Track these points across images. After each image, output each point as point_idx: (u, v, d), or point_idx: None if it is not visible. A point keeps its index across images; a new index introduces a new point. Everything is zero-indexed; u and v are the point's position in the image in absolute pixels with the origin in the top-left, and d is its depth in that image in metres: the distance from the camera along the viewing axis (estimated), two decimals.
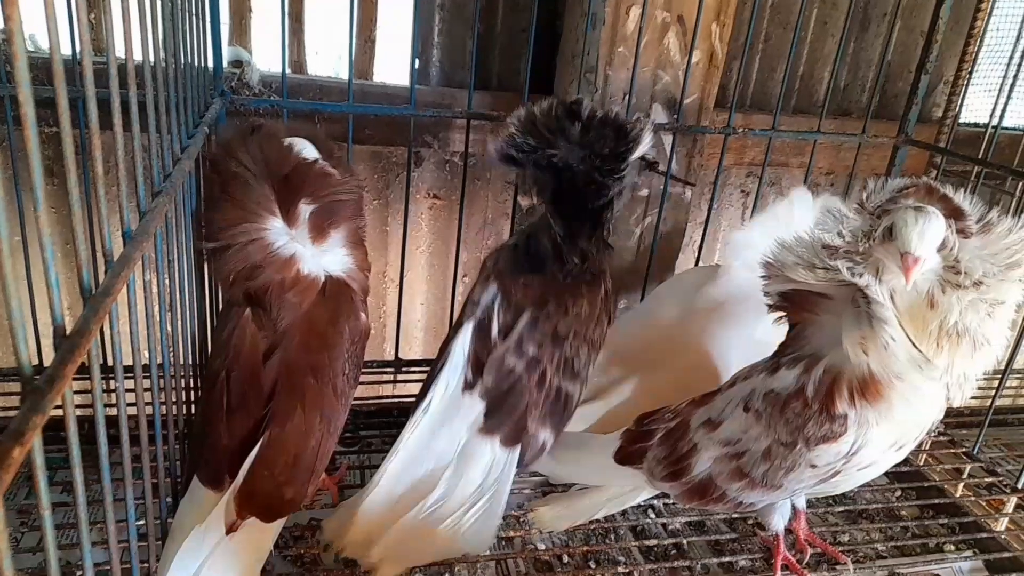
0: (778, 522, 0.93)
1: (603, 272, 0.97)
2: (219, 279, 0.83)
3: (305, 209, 0.81)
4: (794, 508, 0.97)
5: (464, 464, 0.89)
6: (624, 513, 1.03)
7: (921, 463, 1.25)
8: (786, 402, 0.79)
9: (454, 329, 0.97)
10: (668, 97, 1.31)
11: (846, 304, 0.76)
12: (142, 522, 0.70)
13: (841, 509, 1.12)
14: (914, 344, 0.71)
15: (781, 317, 0.84)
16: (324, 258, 0.82)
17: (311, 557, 0.92)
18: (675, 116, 1.31)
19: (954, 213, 0.74)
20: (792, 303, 0.81)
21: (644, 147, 0.90)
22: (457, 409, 0.91)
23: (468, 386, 0.92)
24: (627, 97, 1.27)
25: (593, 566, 0.96)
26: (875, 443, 0.76)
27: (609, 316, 1.00)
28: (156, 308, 0.68)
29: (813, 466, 0.78)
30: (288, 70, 1.16)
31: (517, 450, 0.91)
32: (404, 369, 1.33)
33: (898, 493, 1.19)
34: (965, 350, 0.71)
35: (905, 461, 1.18)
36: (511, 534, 0.99)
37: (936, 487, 1.19)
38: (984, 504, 1.19)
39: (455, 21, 1.49)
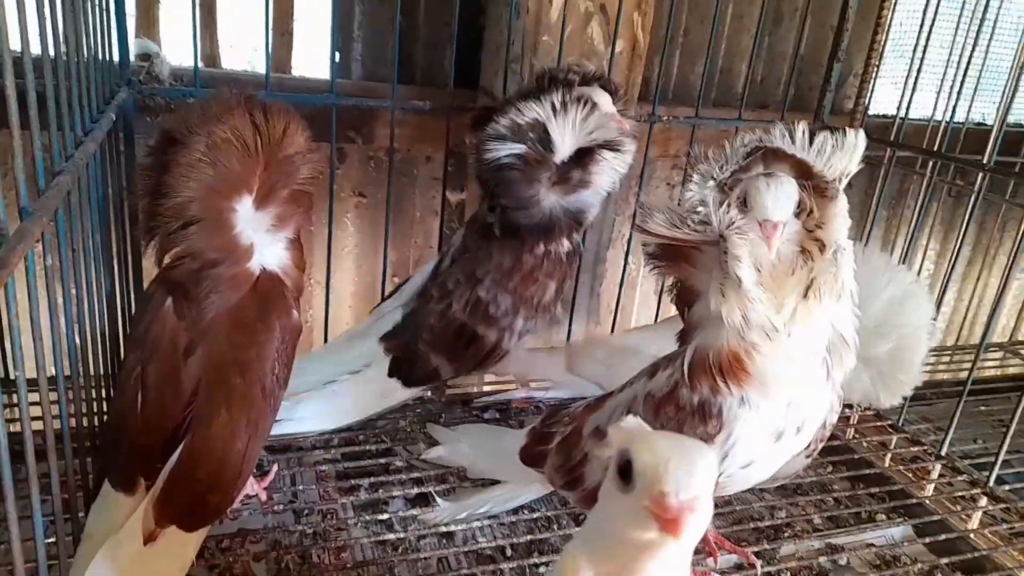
0: None
1: (550, 233, 1.04)
2: (158, 257, 0.77)
3: (280, 196, 0.76)
4: None
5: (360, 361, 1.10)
6: (565, 502, 1.03)
7: (849, 438, 1.29)
8: (659, 405, 0.79)
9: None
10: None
11: (715, 263, 0.74)
12: (53, 539, 0.65)
13: (776, 486, 1.14)
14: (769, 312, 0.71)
15: (657, 270, 0.81)
16: (266, 251, 0.79)
17: (240, 569, 0.88)
18: None
19: (805, 173, 0.72)
20: (667, 257, 0.79)
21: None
22: (386, 321, 1.13)
23: (403, 307, 1.13)
24: None
25: (537, 556, 0.95)
26: (750, 434, 0.75)
27: (557, 278, 1.06)
28: (61, 302, 0.63)
29: None
30: (200, 64, 1.12)
31: (388, 359, 1.09)
32: None
33: (829, 468, 1.23)
34: (819, 313, 0.71)
35: (833, 436, 1.22)
36: (451, 528, 0.97)
37: (865, 459, 1.24)
38: (911, 474, 1.24)
39: (376, 14, 1.47)
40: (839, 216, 0.71)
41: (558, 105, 0.97)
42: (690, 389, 0.76)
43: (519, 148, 0.99)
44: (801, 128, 0.72)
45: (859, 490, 1.17)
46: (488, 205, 1.08)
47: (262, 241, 0.78)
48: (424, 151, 1.56)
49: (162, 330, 0.76)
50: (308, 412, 1.08)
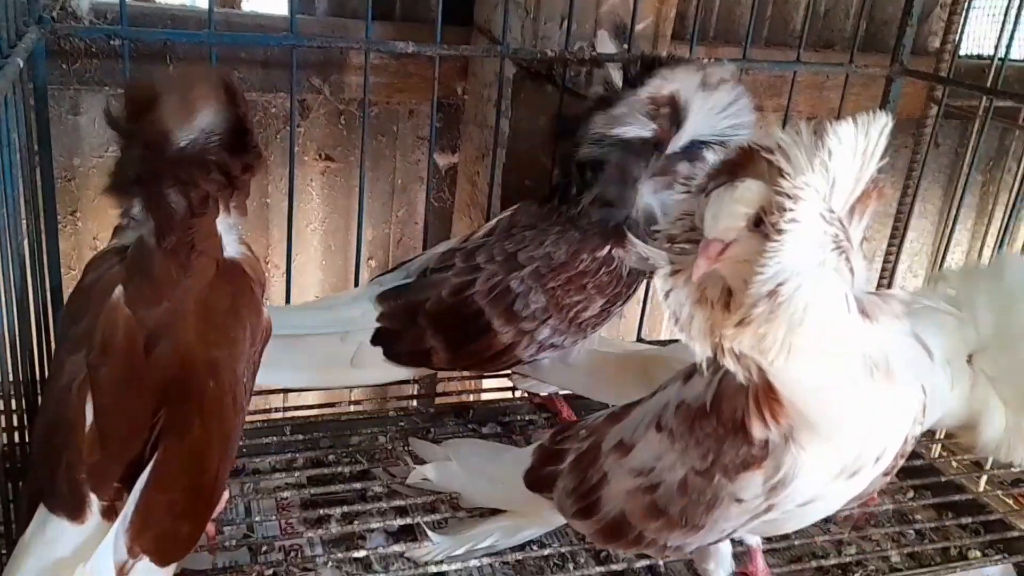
0: (715, 570, 0.92)
1: (621, 236, 1.06)
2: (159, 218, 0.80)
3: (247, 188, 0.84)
4: (746, 546, 0.97)
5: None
6: (582, 535, 1.03)
7: (935, 456, 1.29)
8: (696, 418, 0.78)
9: None
10: (616, 22, 1.32)
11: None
12: None
13: (845, 514, 1.14)
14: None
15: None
16: (226, 237, 0.83)
17: None
18: (625, 45, 1.32)
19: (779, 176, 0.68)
20: None
21: None
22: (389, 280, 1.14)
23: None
24: (566, 22, 1.27)
25: None
26: (808, 472, 0.74)
27: (608, 295, 1.08)
28: None
29: (739, 500, 0.77)
30: None
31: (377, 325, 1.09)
32: None
33: (910, 494, 1.22)
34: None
35: (915, 454, 1.22)
36: (444, 568, 0.97)
37: (953, 483, 1.23)
38: (1011, 500, 1.24)
39: None
40: (782, 250, 0.66)
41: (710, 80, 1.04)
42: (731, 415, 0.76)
43: (650, 127, 1.03)
44: (810, 125, 0.71)
45: (947, 520, 1.17)
46: (574, 190, 1.10)
47: (223, 226, 0.82)
48: (406, 104, 1.56)
49: (113, 325, 0.77)
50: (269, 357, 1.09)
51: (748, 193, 0.68)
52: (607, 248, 1.07)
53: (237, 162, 0.83)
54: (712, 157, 0.99)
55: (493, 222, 1.16)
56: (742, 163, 0.70)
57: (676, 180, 1.00)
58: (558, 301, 1.07)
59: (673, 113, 1.03)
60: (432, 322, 1.08)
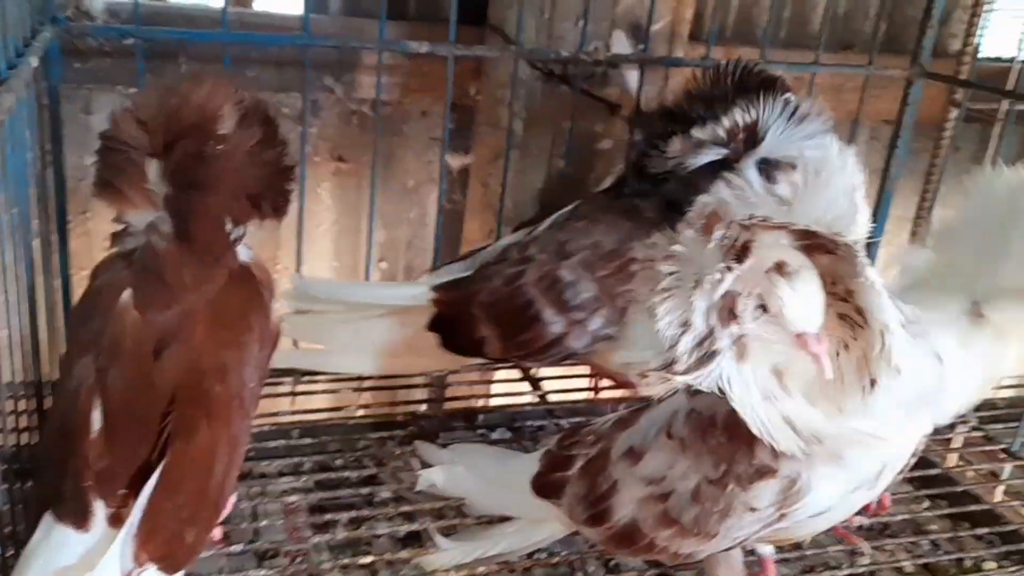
0: None
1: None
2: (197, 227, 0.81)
3: None
4: (758, 555, 0.96)
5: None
6: (590, 543, 1.03)
7: (950, 465, 1.28)
8: (707, 427, 0.79)
9: None
10: (632, 22, 1.32)
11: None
12: None
13: (858, 524, 1.13)
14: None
15: None
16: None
17: None
18: (641, 45, 1.32)
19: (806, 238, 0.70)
20: None
21: None
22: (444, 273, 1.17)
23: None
24: (581, 22, 1.27)
25: None
26: (824, 486, 0.76)
27: None
28: None
29: (752, 509, 0.78)
30: None
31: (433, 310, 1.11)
32: (304, 378, 1.30)
33: (925, 504, 1.22)
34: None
35: (929, 463, 1.22)
36: (452, 575, 0.97)
37: (970, 493, 1.22)
38: None
39: None
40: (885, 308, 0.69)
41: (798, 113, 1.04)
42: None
43: (724, 152, 1.04)
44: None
45: (962, 531, 1.16)
46: (636, 186, 1.12)
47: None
48: (419, 104, 1.56)
49: (122, 328, 0.77)
50: (333, 343, 1.13)
51: (816, 279, 0.69)
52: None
53: (281, 185, 0.86)
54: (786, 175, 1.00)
55: (555, 216, 1.17)
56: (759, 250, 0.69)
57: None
58: (608, 290, 1.06)
59: (749, 138, 1.04)
60: (485, 311, 1.10)
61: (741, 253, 0.67)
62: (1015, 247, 0.89)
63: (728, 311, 0.68)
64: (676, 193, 1.06)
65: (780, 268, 0.68)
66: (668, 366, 0.69)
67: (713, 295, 0.67)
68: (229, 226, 0.81)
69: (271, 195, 0.86)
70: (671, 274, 0.69)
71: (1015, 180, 0.92)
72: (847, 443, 0.73)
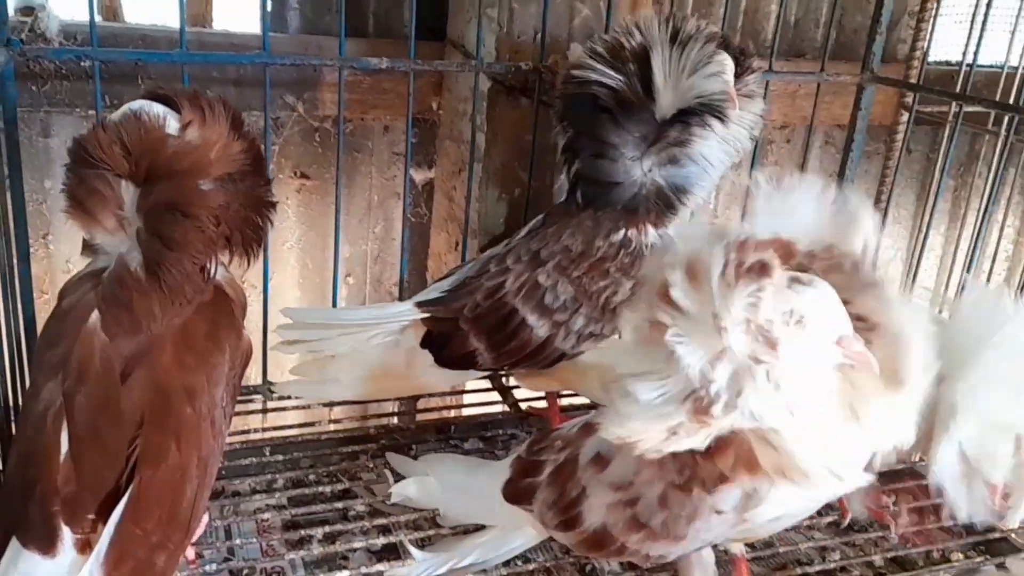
0: None
1: (634, 214, 1.09)
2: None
3: None
4: (730, 555, 0.98)
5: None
6: (567, 548, 1.03)
7: (915, 459, 1.30)
8: None
9: None
10: (588, 34, 1.33)
11: None
12: None
13: (828, 521, 1.15)
14: None
15: None
16: None
17: None
18: None
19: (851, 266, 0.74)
20: None
21: None
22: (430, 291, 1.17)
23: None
24: (539, 36, 1.28)
25: None
26: (777, 497, 0.77)
27: (634, 276, 1.09)
28: None
29: (719, 512, 0.79)
30: (98, 17, 1.12)
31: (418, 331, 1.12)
32: (274, 395, 1.29)
33: (892, 498, 1.23)
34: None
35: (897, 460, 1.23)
36: None
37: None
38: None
39: None
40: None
41: (672, 37, 1.04)
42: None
43: (616, 77, 1.05)
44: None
45: (929, 523, 1.18)
46: (570, 176, 1.14)
47: None
48: (381, 120, 1.56)
49: (89, 351, 0.76)
50: (344, 375, 1.12)
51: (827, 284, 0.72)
52: (621, 231, 1.09)
53: (263, 215, 0.86)
54: (716, 127, 1.03)
55: (528, 226, 1.19)
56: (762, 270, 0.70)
57: (671, 142, 1.05)
58: (585, 289, 1.08)
59: (641, 69, 1.04)
60: (472, 326, 1.11)
61: (762, 271, 0.69)
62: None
63: (767, 337, 0.69)
64: (589, 167, 1.10)
65: (796, 282, 0.71)
66: (704, 410, 0.71)
67: (757, 315, 0.68)
68: (205, 266, 0.80)
69: (247, 245, 0.85)
70: (677, 336, 0.70)
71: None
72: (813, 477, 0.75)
